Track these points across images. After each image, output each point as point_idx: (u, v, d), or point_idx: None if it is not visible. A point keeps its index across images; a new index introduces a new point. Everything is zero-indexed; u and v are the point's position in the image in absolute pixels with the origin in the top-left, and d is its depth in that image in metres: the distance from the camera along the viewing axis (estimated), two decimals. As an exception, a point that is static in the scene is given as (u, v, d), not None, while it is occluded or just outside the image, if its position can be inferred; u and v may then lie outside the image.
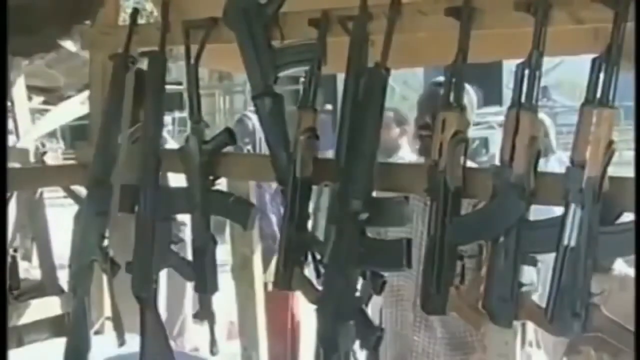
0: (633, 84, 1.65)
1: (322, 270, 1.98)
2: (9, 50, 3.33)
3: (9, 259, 4.01)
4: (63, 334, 2.63)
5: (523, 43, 1.75)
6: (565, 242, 1.64)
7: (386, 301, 3.03)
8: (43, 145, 3.99)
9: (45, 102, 5.63)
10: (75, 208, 3.75)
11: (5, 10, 2.28)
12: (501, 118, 1.81)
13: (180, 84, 11.63)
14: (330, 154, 2.14)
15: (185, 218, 2.41)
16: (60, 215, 4.15)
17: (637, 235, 1.59)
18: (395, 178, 2.01)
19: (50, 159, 4.09)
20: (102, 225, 2.43)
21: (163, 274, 2.38)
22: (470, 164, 1.93)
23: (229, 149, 2.32)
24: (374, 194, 1.93)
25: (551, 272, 1.67)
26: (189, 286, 3.66)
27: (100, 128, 2.47)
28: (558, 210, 1.67)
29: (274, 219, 5.21)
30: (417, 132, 2.96)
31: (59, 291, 4.01)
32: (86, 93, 3.73)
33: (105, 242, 2.43)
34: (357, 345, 1.96)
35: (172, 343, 2.45)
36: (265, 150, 2.23)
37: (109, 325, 2.69)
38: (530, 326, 2.12)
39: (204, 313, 2.32)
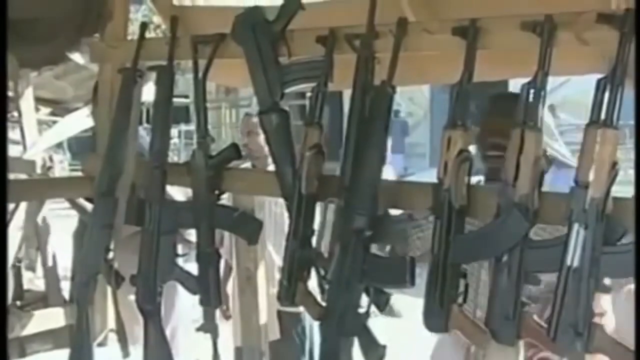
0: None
1: (326, 286, 1.98)
2: (17, 62, 3.36)
3: (14, 270, 4.03)
4: (66, 346, 2.64)
5: (529, 62, 1.76)
6: (569, 262, 1.64)
7: None
8: (51, 159, 4.00)
9: (52, 114, 5.65)
10: (81, 219, 3.77)
11: (5, 10, 2.29)
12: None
13: (186, 96, 11.68)
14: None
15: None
16: (66, 226, 4.16)
17: (637, 251, 1.59)
18: (400, 195, 2.02)
19: (57, 173, 4.10)
20: (107, 238, 2.44)
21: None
22: None
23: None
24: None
25: (553, 292, 1.67)
26: (179, 299, 3.67)
27: (107, 141, 2.48)
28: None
29: None
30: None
31: (62, 302, 4.01)
32: (93, 105, 3.73)
33: (110, 255, 2.44)
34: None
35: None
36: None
37: (112, 337, 2.69)
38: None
39: (208, 326, 2.33)
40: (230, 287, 4.06)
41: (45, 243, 4.20)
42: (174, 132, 16.20)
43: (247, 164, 3.98)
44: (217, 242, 2.38)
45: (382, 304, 1.95)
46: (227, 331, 3.81)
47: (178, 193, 3.03)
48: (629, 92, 1.67)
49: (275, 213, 3.99)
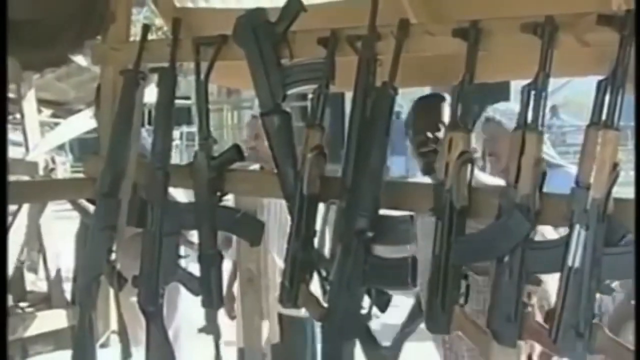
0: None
1: (327, 287, 1.98)
2: (20, 64, 3.37)
3: (16, 271, 4.03)
4: (69, 347, 2.64)
5: (530, 63, 1.76)
6: (570, 263, 1.65)
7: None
8: (53, 161, 4.00)
9: (54, 115, 5.65)
10: (83, 221, 3.77)
11: (5, 11, 2.29)
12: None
13: (188, 98, 11.68)
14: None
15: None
16: (68, 227, 4.16)
17: (638, 251, 1.60)
18: (402, 196, 2.02)
19: (59, 174, 4.11)
20: (110, 239, 2.45)
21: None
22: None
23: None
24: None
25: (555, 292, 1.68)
26: (182, 300, 3.68)
27: (109, 142, 2.49)
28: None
29: None
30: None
31: (65, 304, 4.01)
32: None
33: (113, 256, 2.44)
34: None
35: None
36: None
37: (115, 338, 2.69)
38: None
39: (210, 327, 2.33)
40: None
41: (48, 244, 4.21)
42: (176, 133, 16.21)
43: (255, 166, 3.98)
44: (224, 243, 2.37)
45: (384, 306, 1.95)
46: (232, 332, 3.80)
47: (180, 194, 3.03)
48: (630, 94, 1.67)
49: (278, 215, 3.99)
